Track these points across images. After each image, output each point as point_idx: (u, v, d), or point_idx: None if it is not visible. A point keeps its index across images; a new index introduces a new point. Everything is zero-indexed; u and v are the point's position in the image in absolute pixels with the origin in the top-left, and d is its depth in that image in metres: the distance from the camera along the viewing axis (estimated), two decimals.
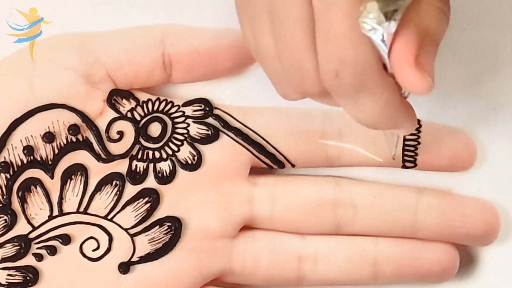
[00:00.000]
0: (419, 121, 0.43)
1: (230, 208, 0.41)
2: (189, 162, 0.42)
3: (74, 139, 0.41)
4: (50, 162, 0.41)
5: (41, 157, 0.41)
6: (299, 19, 0.33)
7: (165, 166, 0.42)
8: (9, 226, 0.41)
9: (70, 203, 0.41)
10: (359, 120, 0.35)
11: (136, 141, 0.42)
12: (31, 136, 0.41)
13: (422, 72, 0.32)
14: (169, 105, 0.42)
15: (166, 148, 0.42)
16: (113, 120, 0.42)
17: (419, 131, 0.42)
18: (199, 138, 0.42)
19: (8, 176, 0.41)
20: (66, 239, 0.41)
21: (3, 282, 0.40)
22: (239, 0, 0.36)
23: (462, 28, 0.44)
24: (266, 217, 0.42)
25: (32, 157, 0.41)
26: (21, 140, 0.41)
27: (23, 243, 0.41)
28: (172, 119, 0.42)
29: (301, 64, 0.33)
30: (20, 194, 0.41)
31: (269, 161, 0.42)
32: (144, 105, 0.42)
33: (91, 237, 0.41)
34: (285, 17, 0.33)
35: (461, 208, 0.42)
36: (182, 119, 0.42)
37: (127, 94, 0.42)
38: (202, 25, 0.43)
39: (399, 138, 0.41)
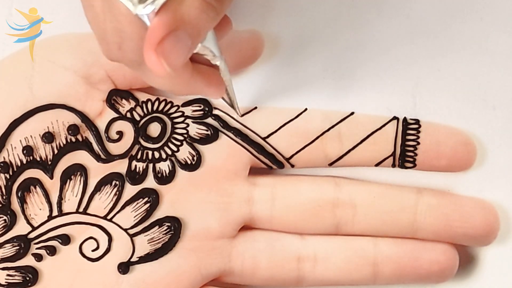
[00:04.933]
0: (418, 121, 0.43)
1: (230, 208, 0.41)
2: (189, 162, 0.42)
3: (73, 139, 0.42)
4: (49, 162, 0.41)
5: (40, 157, 0.41)
6: None
7: (164, 166, 0.42)
8: (8, 226, 0.41)
9: (70, 203, 0.41)
10: (156, 87, 0.38)
11: (135, 141, 0.42)
12: (31, 136, 0.41)
13: (160, 56, 0.32)
14: (169, 105, 0.43)
15: (166, 148, 0.42)
16: (113, 120, 0.42)
17: (419, 131, 0.42)
18: (198, 138, 0.42)
19: (8, 176, 0.41)
20: (65, 239, 0.41)
21: (3, 282, 0.40)
22: None
23: (462, 28, 0.43)
24: (266, 218, 0.42)
25: (31, 157, 0.41)
26: (20, 140, 0.41)
27: (23, 243, 0.41)
28: (171, 119, 0.42)
29: (100, 35, 0.35)
30: (19, 194, 0.41)
31: (268, 161, 0.42)
32: (144, 105, 0.42)
33: (91, 237, 0.41)
34: None
35: (460, 208, 0.42)
36: (181, 119, 0.42)
37: (127, 94, 0.42)
38: None
39: (229, 96, 0.41)
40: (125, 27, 0.34)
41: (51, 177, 0.41)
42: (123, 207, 0.41)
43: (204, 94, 0.39)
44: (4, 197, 0.41)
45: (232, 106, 0.42)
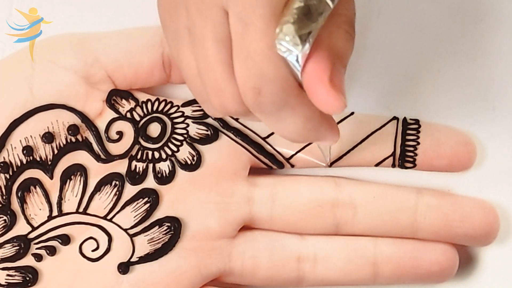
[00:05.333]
0: (418, 121, 0.43)
1: (230, 208, 0.41)
2: (189, 162, 0.42)
3: (73, 140, 0.42)
4: (49, 163, 0.41)
5: (40, 158, 0.41)
6: (217, 39, 0.33)
7: (164, 166, 0.42)
8: (8, 227, 0.41)
9: (70, 204, 0.41)
10: (283, 135, 0.35)
11: (135, 142, 0.42)
12: (31, 136, 0.41)
13: (337, 91, 0.32)
14: (169, 105, 0.42)
15: (166, 148, 0.42)
16: (113, 121, 0.42)
17: (419, 131, 0.42)
18: (198, 138, 0.42)
19: (8, 176, 0.41)
20: (65, 240, 0.41)
21: (3, 283, 0.40)
22: (162, 16, 0.36)
23: (462, 28, 0.43)
24: (266, 218, 0.42)
25: (31, 158, 0.41)
26: (20, 141, 0.41)
27: (23, 243, 0.41)
28: (171, 119, 0.42)
29: (220, 84, 0.34)
30: (19, 195, 0.41)
31: (268, 161, 0.42)
32: (144, 105, 0.42)
33: (91, 237, 0.41)
34: (203, 37, 0.33)
35: (460, 209, 0.42)
36: (181, 119, 0.42)
37: (127, 95, 0.42)
38: None
39: (330, 146, 0.41)
40: (268, 70, 0.32)
41: (51, 177, 0.41)
42: (123, 207, 0.41)
43: (325, 139, 0.37)
44: (4, 197, 0.41)
45: (326, 153, 0.41)
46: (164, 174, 0.42)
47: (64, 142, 0.41)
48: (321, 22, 0.31)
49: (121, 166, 0.42)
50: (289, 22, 0.31)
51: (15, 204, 0.41)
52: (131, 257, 0.41)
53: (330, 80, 0.32)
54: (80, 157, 0.42)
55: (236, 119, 0.42)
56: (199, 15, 0.33)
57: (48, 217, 0.41)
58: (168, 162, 0.42)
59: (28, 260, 0.41)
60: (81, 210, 0.41)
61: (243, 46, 0.32)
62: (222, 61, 0.33)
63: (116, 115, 0.42)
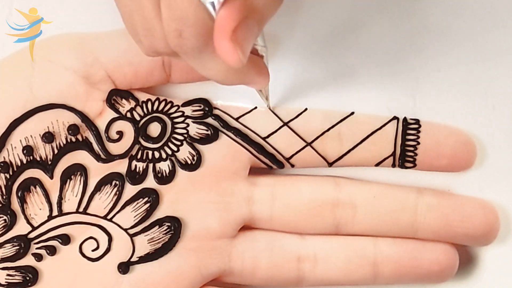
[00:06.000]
0: (418, 121, 0.43)
1: (230, 208, 0.41)
2: (189, 162, 0.42)
3: (73, 139, 0.42)
4: (49, 162, 0.41)
5: (40, 157, 0.41)
6: None
7: (164, 166, 0.42)
8: (8, 226, 0.41)
9: (70, 203, 0.41)
10: (209, 78, 0.36)
11: (135, 141, 0.42)
12: (31, 136, 0.41)
13: (236, 45, 0.32)
14: (169, 105, 0.43)
15: (166, 148, 0.42)
16: (113, 120, 0.42)
17: (419, 131, 0.42)
18: (198, 138, 0.42)
19: (8, 176, 0.41)
20: (65, 239, 0.41)
21: (3, 282, 0.40)
22: None
23: (462, 28, 0.43)
24: (266, 217, 0.42)
25: (31, 157, 0.41)
26: (20, 140, 0.41)
27: (23, 243, 0.41)
28: (171, 119, 0.42)
29: (149, 23, 0.34)
30: (19, 194, 0.41)
31: (268, 161, 0.42)
32: (144, 105, 0.42)
33: (91, 237, 0.41)
34: None
35: (460, 208, 0.42)
36: (181, 119, 0.42)
37: (127, 94, 0.42)
38: None
39: (268, 89, 0.41)
40: (189, 13, 0.33)
41: (51, 177, 0.41)
42: (123, 207, 0.41)
43: (253, 83, 0.38)
44: (4, 197, 0.41)
45: (264, 96, 0.42)
46: (164, 174, 0.42)
47: (64, 142, 0.41)
48: None
49: (121, 166, 0.42)
50: None
51: (15, 204, 0.41)
52: (131, 257, 0.41)
53: (233, 32, 0.32)
54: (80, 157, 0.42)
55: (236, 119, 0.42)
56: None
57: (48, 217, 0.41)
58: (168, 162, 0.42)
59: (28, 260, 0.41)
60: (81, 210, 0.41)
61: None
62: (150, 3, 0.34)
63: (116, 115, 0.42)
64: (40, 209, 0.41)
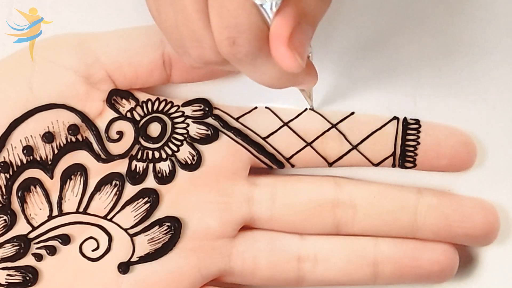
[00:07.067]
0: (418, 121, 0.43)
1: (230, 208, 0.41)
2: (189, 162, 0.42)
3: (73, 139, 0.42)
4: (49, 162, 0.41)
5: (40, 157, 0.41)
6: None
7: (164, 166, 0.42)
8: (8, 226, 0.41)
9: (70, 203, 0.41)
10: (261, 83, 0.36)
11: (135, 141, 0.42)
12: (31, 136, 0.41)
13: (293, 51, 0.32)
14: (169, 105, 0.43)
15: (166, 148, 0.42)
16: (113, 120, 0.42)
17: (419, 131, 0.42)
18: (198, 138, 0.42)
19: (8, 176, 0.41)
20: (65, 239, 0.41)
21: (3, 282, 0.40)
22: None
23: (462, 27, 0.43)
24: (266, 217, 0.42)
25: (31, 157, 0.41)
26: (20, 140, 0.41)
27: (23, 243, 0.41)
28: (171, 119, 0.42)
29: (197, 34, 0.34)
30: (19, 194, 0.41)
31: (268, 161, 0.42)
32: (144, 105, 0.42)
33: (91, 237, 0.41)
34: None
35: (460, 208, 0.42)
36: (181, 119, 0.42)
37: (127, 94, 0.42)
38: None
39: (312, 89, 0.41)
40: (242, 19, 0.32)
41: (51, 177, 0.41)
42: (123, 207, 0.41)
43: (304, 83, 0.38)
44: (4, 197, 0.41)
45: (308, 96, 0.42)
46: (164, 174, 0.42)
47: (64, 142, 0.41)
48: None
49: (121, 166, 0.42)
50: None
51: (15, 204, 0.41)
52: (131, 257, 0.41)
53: (290, 38, 0.32)
54: (80, 157, 0.42)
55: (236, 119, 0.42)
56: None
57: (48, 217, 0.41)
58: (168, 162, 0.42)
59: (28, 260, 0.41)
60: (81, 210, 0.41)
61: None
62: (199, 11, 0.33)
63: (116, 115, 0.42)
64: (40, 209, 0.41)
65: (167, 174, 0.42)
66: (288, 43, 0.32)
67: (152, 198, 0.41)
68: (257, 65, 0.34)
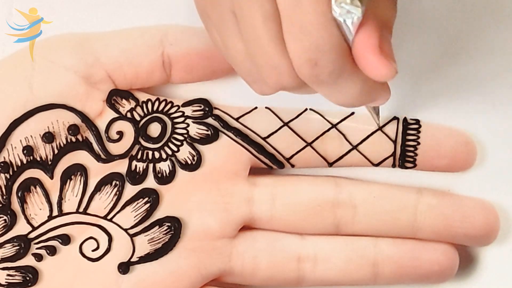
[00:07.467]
0: (418, 121, 0.43)
1: (230, 208, 0.41)
2: (189, 162, 0.42)
3: (73, 139, 0.42)
4: (49, 162, 0.41)
5: (40, 157, 0.41)
6: (265, 17, 0.33)
7: (164, 166, 0.42)
8: (8, 226, 0.41)
9: (70, 203, 0.41)
10: (340, 102, 0.36)
11: (135, 141, 0.42)
12: (31, 136, 0.41)
13: (387, 58, 0.32)
14: (169, 105, 0.42)
15: (166, 148, 0.42)
16: (113, 120, 0.42)
17: (419, 131, 0.42)
18: (198, 138, 0.42)
19: (8, 176, 0.41)
20: (65, 239, 0.41)
21: (3, 282, 0.40)
22: (202, 4, 0.36)
23: (462, 27, 0.43)
24: (266, 218, 0.42)
25: (31, 157, 0.41)
26: (20, 140, 0.41)
27: (23, 243, 0.41)
28: (171, 119, 0.42)
29: (274, 62, 0.34)
30: (19, 194, 0.41)
31: (268, 161, 0.42)
32: (144, 105, 0.42)
33: (91, 237, 0.41)
34: (251, 17, 0.33)
35: (460, 209, 0.42)
36: (181, 119, 0.42)
37: (127, 94, 0.42)
38: (201, 25, 0.43)
39: (379, 107, 0.41)
40: (324, 40, 0.32)
41: (51, 177, 0.41)
42: (123, 207, 0.41)
43: (380, 99, 0.37)
44: (4, 197, 0.41)
45: (376, 113, 0.42)
46: (164, 174, 0.42)
47: (64, 142, 0.41)
48: None
49: (121, 166, 0.42)
50: None
51: (15, 204, 0.41)
52: (131, 257, 0.41)
53: (380, 48, 0.32)
54: (80, 157, 0.42)
55: (236, 119, 0.42)
56: None
57: (48, 217, 0.41)
58: (168, 162, 0.42)
59: (28, 260, 0.41)
60: (81, 210, 0.41)
61: (295, 19, 0.32)
62: (273, 37, 0.33)
63: (116, 115, 0.42)
64: (40, 209, 0.41)
65: (167, 174, 0.42)
66: (380, 51, 0.32)
67: (152, 198, 0.41)
68: (338, 84, 0.34)
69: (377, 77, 0.32)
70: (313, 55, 0.33)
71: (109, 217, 0.41)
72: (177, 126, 0.42)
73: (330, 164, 0.43)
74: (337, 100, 0.35)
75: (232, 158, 0.42)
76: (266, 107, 0.43)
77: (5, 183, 0.41)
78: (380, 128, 0.42)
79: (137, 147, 0.42)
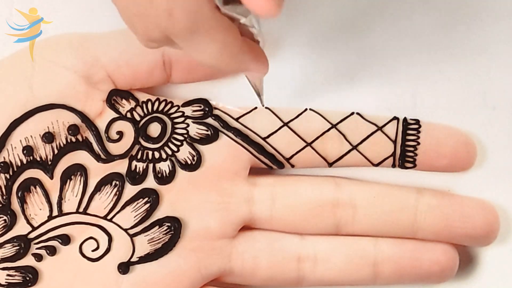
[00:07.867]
0: (418, 121, 0.43)
1: (230, 208, 0.41)
2: (189, 162, 0.42)
3: (73, 139, 0.42)
4: (49, 162, 0.41)
5: (40, 157, 0.41)
6: None
7: (164, 166, 0.42)
8: (8, 226, 0.41)
9: (70, 203, 0.41)
10: (201, 62, 0.35)
11: (135, 141, 0.42)
12: (31, 136, 0.41)
13: None
14: (169, 105, 0.42)
15: (166, 148, 0.42)
16: (113, 120, 0.42)
17: (419, 131, 0.42)
18: (198, 138, 0.42)
19: (8, 176, 0.41)
20: (65, 239, 0.41)
21: (3, 282, 0.40)
22: None
23: (462, 28, 0.43)
24: (266, 218, 0.42)
25: (31, 157, 0.41)
26: (20, 140, 0.41)
27: (23, 243, 0.41)
28: (171, 119, 0.42)
29: (141, 9, 0.34)
30: (19, 194, 0.41)
31: (268, 162, 0.42)
32: (144, 105, 0.42)
33: (91, 237, 0.41)
34: None
35: (460, 209, 0.42)
36: (181, 119, 0.42)
37: (127, 95, 0.42)
38: None
39: (261, 83, 0.41)
40: None
41: (51, 177, 0.41)
42: (123, 207, 0.41)
43: (251, 69, 0.37)
44: (4, 197, 0.41)
45: (258, 94, 0.41)
46: (164, 174, 0.42)
47: (64, 142, 0.41)
48: None
49: (121, 166, 0.42)
50: None
51: (15, 204, 0.41)
52: (131, 257, 0.41)
53: None
54: (80, 157, 0.42)
55: (236, 119, 0.42)
56: None
57: (48, 217, 0.41)
58: (168, 162, 0.42)
59: (28, 260, 0.41)
60: (81, 210, 0.41)
61: None
62: None
63: (116, 115, 0.42)
64: (40, 209, 0.41)
65: (167, 174, 0.42)
66: None
67: (152, 198, 0.41)
68: (195, 41, 0.34)
69: (260, 12, 0.31)
70: (168, 5, 0.33)
71: (109, 217, 0.41)
72: (177, 126, 0.42)
73: (330, 164, 0.43)
74: (199, 59, 0.35)
75: (232, 158, 0.42)
76: (266, 107, 0.43)
77: (5, 183, 0.41)
78: (380, 128, 0.42)
79: (137, 147, 0.42)
